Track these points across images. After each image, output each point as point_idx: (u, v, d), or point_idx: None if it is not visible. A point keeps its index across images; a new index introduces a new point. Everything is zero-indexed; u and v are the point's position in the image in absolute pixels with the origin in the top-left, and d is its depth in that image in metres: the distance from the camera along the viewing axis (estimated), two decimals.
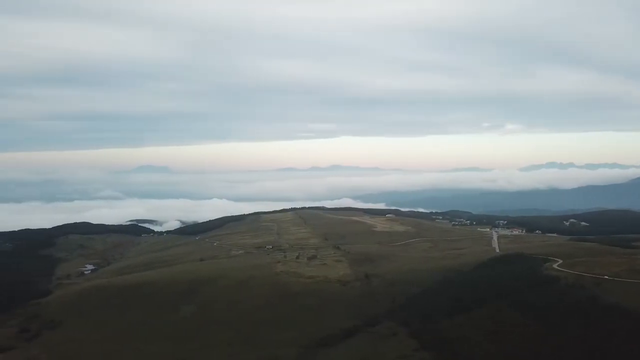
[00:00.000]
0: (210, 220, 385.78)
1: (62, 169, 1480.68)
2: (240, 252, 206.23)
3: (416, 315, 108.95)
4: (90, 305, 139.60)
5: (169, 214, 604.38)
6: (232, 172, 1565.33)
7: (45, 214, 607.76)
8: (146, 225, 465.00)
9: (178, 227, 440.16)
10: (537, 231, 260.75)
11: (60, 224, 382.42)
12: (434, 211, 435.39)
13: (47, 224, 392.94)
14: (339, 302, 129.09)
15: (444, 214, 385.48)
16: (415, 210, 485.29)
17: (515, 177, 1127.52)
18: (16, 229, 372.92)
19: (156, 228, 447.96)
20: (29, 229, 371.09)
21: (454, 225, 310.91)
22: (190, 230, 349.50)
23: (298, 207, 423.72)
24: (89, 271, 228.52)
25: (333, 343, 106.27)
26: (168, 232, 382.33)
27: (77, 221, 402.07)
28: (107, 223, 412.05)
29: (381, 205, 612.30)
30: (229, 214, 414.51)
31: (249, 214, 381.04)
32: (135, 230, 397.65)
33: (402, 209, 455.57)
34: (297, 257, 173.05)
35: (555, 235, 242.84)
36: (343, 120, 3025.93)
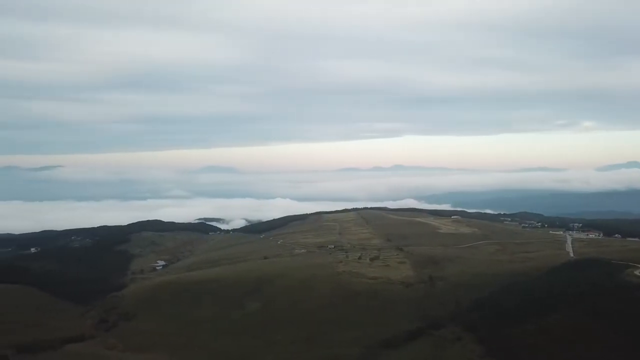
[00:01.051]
0: (274, 219, 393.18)
1: (136, 170, 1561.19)
2: (302, 251, 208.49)
3: (482, 321, 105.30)
4: (162, 299, 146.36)
5: (235, 212, 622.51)
6: (296, 173, 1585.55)
7: (121, 212, 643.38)
8: (213, 223, 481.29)
9: (243, 225, 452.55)
10: (616, 235, 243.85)
11: (135, 221, 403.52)
12: (502, 213, 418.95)
13: (123, 221, 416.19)
14: (402, 304, 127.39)
15: (512, 216, 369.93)
16: (483, 211, 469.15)
17: (591, 178, 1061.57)
18: (95, 226, 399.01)
19: (222, 226, 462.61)
20: (106, 226, 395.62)
21: (523, 227, 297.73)
22: (255, 228, 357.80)
23: (360, 207, 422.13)
24: (160, 267, 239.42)
25: (396, 345, 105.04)
26: (234, 230, 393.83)
27: (150, 219, 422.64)
28: (176, 221, 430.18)
29: (446, 207, 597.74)
30: (292, 214, 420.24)
31: (312, 214, 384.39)
32: (202, 228, 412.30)
33: (469, 210, 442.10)
34: (359, 258, 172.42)
35: (637, 239, 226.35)
36: (407, 119, 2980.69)
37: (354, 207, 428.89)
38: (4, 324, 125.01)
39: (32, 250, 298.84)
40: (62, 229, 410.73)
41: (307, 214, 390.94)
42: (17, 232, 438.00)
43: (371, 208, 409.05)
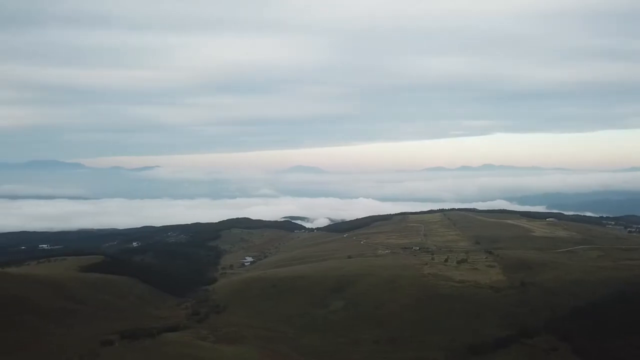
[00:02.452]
0: (357, 219, 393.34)
1: (227, 170, 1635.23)
2: (386, 251, 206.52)
3: (580, 331, 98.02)
4: (250, 294, 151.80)
5: (319, 211, 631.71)
6: (380, 172, 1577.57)
7: (213, 210, 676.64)
8: (298, 221, 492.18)
9: (327, 224, 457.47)
10: None
11: (225, 218, 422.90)
12: (604, 216, 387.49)
13: (214, 219, 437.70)
14: (491, 309, 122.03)
15: (617, 219, 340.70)
16: (582, 214, 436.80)
17: None
18: (189, 223, 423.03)
19: (307, 225, 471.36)
20: (199, 223, 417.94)
21: (630, 232, 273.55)
22: (339, 228, 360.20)
23: (447, 208, 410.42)
24: (249, 263, 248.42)
25: (484, 351, 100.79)
26: (318, 228, 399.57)
27: (239, 216, 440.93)
28: (264, 219, 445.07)
29: (541, 208, 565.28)
30: (376, 214, 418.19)
31: (396, 214, 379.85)
32: (288, 226, 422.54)
33: (566, 213, 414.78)
34: (446, 260, 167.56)
35: None
36: (498, 116, 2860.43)
37: (440, 207, 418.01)
38: (111, 312, 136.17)
39: (134, 244, 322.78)
40: (159, 225, 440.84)
41: (391, 214, 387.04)
42: (121, 227, 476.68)
43: (458, 209, 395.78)
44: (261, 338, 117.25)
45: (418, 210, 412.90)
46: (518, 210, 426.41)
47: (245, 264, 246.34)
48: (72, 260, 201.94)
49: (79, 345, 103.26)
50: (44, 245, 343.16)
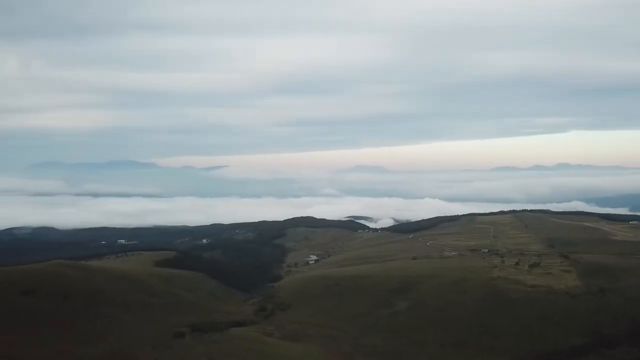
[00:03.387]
0: (422, 220, 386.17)
1: (292, 169, 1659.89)
2: (453, 253, 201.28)
3: None
4: (314, 292, 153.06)
5: (383, 211, 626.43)
6: (446, 172, 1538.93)
7: (278, 208, 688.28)
8: (361, 221, 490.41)
9: (391, 224, 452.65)
10: None
11: (290, 217, 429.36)
12: None
13: (280, 217, 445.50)
14: (566, 316, 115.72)
15: None
16: None
17: None
18: (256, 221, 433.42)
19: (371, 225, 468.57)
20: (265, 221, 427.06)
21: None
22: (403, 228, 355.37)
23: (518, 209, 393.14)
24: (313, 261, 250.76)
25: None
26: (382, 229, 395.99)
27: (303, 215, 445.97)
28: (328, 218, 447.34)
29: (623, 211, 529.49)
30: (442, 214, 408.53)
31: (463, 215, 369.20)
32: (351, 225, 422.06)
33: None
34: (517, 264, 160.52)
35: None
36: (573, 112, 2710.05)
37: (511, 209, 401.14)
38: (182, 305, 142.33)
39: (204, 241, 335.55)
40: (228, 223, 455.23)
41: (458, 215, 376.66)
42: (191, 225, 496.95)
43: (531, 210, 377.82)
44: (325, 336, 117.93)
45: (487, 211, 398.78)
46: (597, 212, 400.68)
47: (310, 262, 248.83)
48: (147, 255, 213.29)
49: (152, 336, 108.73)
50: (121, 241, 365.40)
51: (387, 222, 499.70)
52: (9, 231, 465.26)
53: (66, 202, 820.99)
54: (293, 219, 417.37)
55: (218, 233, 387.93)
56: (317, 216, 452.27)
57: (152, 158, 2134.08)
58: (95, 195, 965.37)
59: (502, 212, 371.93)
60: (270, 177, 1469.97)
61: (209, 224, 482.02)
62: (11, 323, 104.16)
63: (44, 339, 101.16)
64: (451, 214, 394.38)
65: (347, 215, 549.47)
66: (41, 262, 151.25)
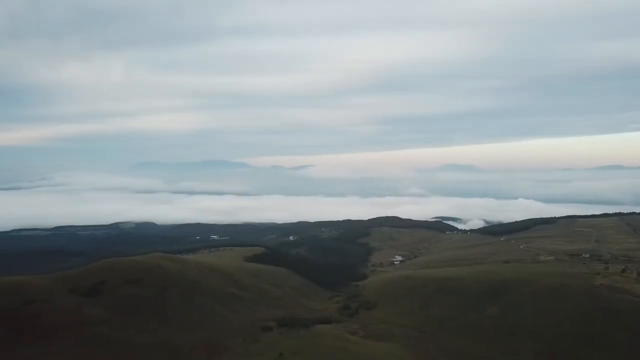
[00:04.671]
0: (515, 222, 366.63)
1: (376, 168, 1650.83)
2: (549, 258, 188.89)
3: None
4: (399, 292, 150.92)
5: (473, 212, 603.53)
6: (542, 171, 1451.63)
7: (362, 208, 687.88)
8: (449, 222, 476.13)
9: (482, 226, 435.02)
10: None
11: (374, 216, 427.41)
12: None
13: (364, 216, 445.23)
14: None
15: None
16: None
17: None
18: (340, 219, 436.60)
19: (459, 226, 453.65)
20: (349, 220, 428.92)
21: None
22: (494, 230, 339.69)
23: (625, 212, 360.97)
24: (398, 262, 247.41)
25: None
26: (471, 230, 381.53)
27: (388, 215, 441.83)
28: (414, 218, 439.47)
29: None
30: (537, 216, 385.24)
31: (562, 217, 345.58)
32: (439, 226, 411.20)
33: None
34: (623, 271, 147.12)
35: None
36: None
37: (617, 211, 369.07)
38: (269, 300, 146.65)
39: (291, 238, 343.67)
40: (313, 221, 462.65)
41: (555, 217, 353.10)
42: (279, 222, 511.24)
43: None
44: (410, 337, 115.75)
45: (589, 213, 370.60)
46: None
47: (395, 262, 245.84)
48: (237, 250, 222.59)
49: (242, 328, 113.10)
50: (214, 236, 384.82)
51: (477, 224, 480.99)
52: (116, 225, 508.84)
53: (164, 199, 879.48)
54: (378, 218, 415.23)
55: (304, 230, 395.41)
56: (403, 216, 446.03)
57: (243, 158, 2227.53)
58: (190, 193, 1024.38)
59: (605, 215, 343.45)
60: (355, 176, 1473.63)
61: (295, 221, 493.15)
62: (118, 309, 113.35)
63: (146, 326, 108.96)
64: (547, 216, 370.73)
65: (434, 216, 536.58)
66: (143, 255, 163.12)
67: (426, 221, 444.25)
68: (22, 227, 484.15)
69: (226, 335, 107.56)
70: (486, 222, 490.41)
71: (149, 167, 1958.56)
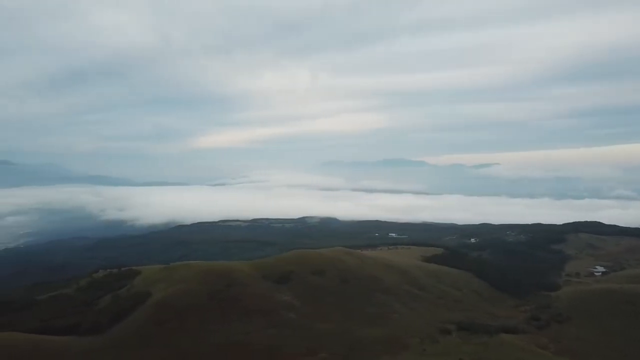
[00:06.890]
0: None
1: (574, 167, 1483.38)
2: None
3: None
4: (598, 307, 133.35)
5: None
6: None
7: (554, 210, 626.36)
8: None
9: None
10: None
11: (570, 221, 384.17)
12: None
13: (556, 220, 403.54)
14: None
15: None
16: None
17: None
18: (529, 223, 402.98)
19: None
20: (540, 224, 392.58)
21: None
22: None
23: None
24: (599, 273, 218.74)
25: None
26: None
27: (587, 220, 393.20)
28: (619, 224, 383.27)
29: None
30: None
31: None
32: None
33: None
34: None
35: None
36: None
37: None
38: (449, 302, 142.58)
39: (472, 240, 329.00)
40: (497, 223, 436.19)
41: None
42: (459, 223, 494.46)
43: None
44: (608, 359, 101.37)
45: None
46: None
47: (595, 273, 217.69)
48: (415, 249, 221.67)
49: (420, 327, 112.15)
50: (392, 234, 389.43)
51: None
52: (303, 219, 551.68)
53: (345, 196, 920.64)
54: (574, 222, 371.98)
55: (486, 233, 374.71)
56: (606, 222, 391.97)
57: (422, 156, 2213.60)
58: (369, 191, 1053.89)
59: None
60: (548, 176, 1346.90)
61: (477, 223, 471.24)
62: (305, 297, 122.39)
63: (330, 315, 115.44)
64: None
65: None
66: (326, 248, 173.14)
67: (637, 228, 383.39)
68: (227, 218, 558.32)
69: (405, 333, 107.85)
70: None
71: (332, 166, 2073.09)
